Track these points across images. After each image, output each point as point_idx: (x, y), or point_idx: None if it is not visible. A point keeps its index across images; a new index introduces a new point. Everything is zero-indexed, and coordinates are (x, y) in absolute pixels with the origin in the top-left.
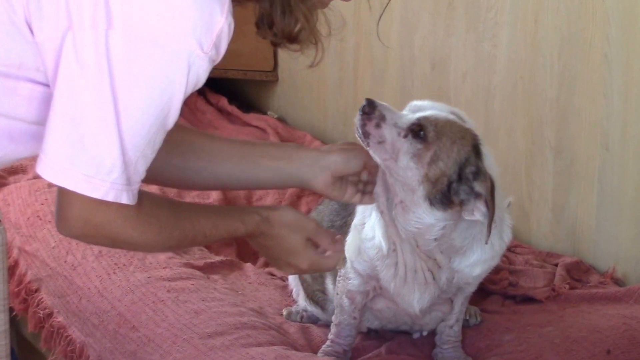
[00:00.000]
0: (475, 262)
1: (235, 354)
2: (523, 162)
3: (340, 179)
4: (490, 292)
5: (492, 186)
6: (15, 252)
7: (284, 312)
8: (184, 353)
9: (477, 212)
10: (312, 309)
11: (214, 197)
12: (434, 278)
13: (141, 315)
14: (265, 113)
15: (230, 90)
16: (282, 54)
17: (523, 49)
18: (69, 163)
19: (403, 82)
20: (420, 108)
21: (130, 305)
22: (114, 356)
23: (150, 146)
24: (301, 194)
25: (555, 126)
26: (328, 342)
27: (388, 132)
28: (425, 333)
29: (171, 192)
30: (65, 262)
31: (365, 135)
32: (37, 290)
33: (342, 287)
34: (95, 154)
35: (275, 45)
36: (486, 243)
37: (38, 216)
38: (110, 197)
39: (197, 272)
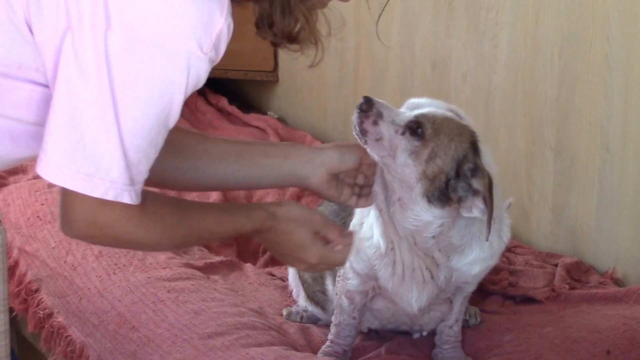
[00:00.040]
0: (474, 260)
1: (235, 354)
2: (523, 162)
3: (337, 179)
4: (490, 292)
5: (490, 183)
6: (15, 253)
7: (284, 313)
8: (184, 353)
9: (475, 209)
10: (313, 309)
11: (214, 197)
12: (432, 277)
13: (141, 315)
14: (265, 113)
15: (230, 91)
16: (283, 54)
17: (523, 49)
18: (69, 163)
19: (403, 82)
20: (418, 105)
21: (130, 305)
22: (114, 356)
23: (153, 146)
24: (301, 195)
25: (555, 126)
26: (328, 343)
27: (386, 129)
28: (425, 333)
29: (171, 194)
30: (65, 262)
31: (363, 132)
32: (37, 291)
33: (341, 287)
34: (95, 154)
35: (275, 45)
36: (487, 240)
37: (38, 216)
38: (109, 196)
39: (197, 273)
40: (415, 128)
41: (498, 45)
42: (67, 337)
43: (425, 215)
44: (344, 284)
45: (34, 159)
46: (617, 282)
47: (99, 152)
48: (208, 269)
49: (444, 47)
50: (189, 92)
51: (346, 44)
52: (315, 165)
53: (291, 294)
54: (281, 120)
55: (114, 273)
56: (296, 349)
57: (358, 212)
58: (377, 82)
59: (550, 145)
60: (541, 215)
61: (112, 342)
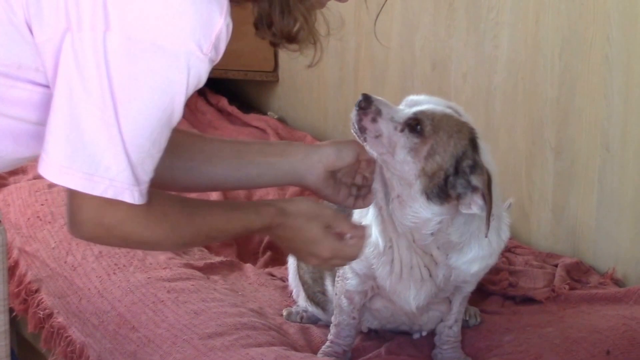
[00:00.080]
0: (473, 259)
1: (235, 354)
2: (523, 162)
3: (335, 178)
4: (490, 292)
5: (489, 180)
6: (15, 253)
7: (284, 313)
8: (183, 354)
9: (474, 205)
10: (313, 309)
11: (213, 198)
12: (430, 275)
13: (141, 315)
14: (265, 113)
15: (230, 91)
16: (283, 54)
17: (524, 49)
18: (69, 162)
19: (403, 82)
20: (417, 102)
21: (130, 305)
22: (114, 357)
23: (156, 146)
24: (301, 194)
25: (555, 127)
26: (328, 343)
27: (385, 126)
28: (424, 333)
29: None
30: (65, 262)
31: (362, 130)
32: (37, 291)
33: (341, 287)
34: (94, 153)
35: (274, 45)
36: (486, 236)
37: (38, 217)
38: (109, 194)
39: (197, 273)
40: (414, 125)
41: (498, 45)
42: (67, 337)
43: (424, 212)
44: (343, 284)
45: (34, 160)
46: (617, 283)
47: (98, 151)
48: (208, 269)
49: (444, 47)
50: (190, 92)
51: (346, 44)
52: (313, 163)
53: (291, 294)
54: (281, 120)
55: (114, 273)
56: (296, 350)
57: (357, 211)
58: (377, 82)
59: (550, 145)
60: (541, 216)
61: (112, 343)
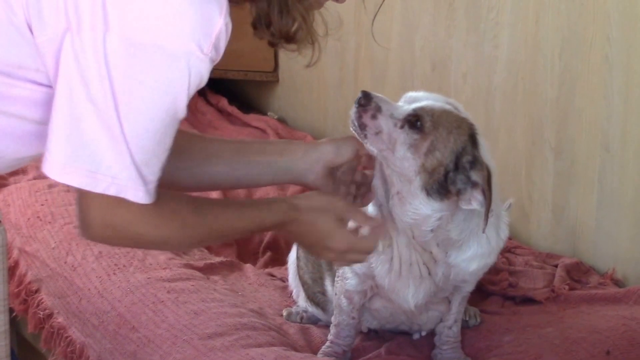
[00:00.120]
0: (472, 256)
1: (235, 354)
2: (523, 162)
3: (334, 177)
4: (489, 293)
5: (488, 175)
6: (15, 253)
7: (284, 313)
8: (183, 354)
9: (474, 201)
10: (313, 310)
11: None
12: (429, 273)
13: (141, 316)
14: (265, 114)
15: (230, 91)
16: (283, 54)
17: (524, 49)
18: (72, 161)
19: (403, 82)
20: (416, 99)
21: (130, 306)
22: (114, 357)
23: (161, 145)
24: (302, 193)
25: (555, 127)
26: (328, 343)
27: (384, 122)
28: (424, 333)
29: None
30: (65, 262)
31: (362, 127)
32: (37, 291)
33: (340, 287)
34: (96, 152)
35: (272, 45)
36: (483, 232)
37: (38, 217)
38: (111, 192)
39: (197, 273)
40: (414, 121)
41: (498, 45)
42: (67, 337)
43: (424, 209)
44: (342, 284)
45: (34, 160)
46: (617, 283)
47: (99, 150)
48: (208, 270)
49: (444, 47)
50: (193, 92)
51: (346, 44)
52: (312, 161)
53: (291, 294)
54: (281, 120)
55: (114, 273)
56: (296, 350)
57: None
58: (377, 83)
59: (550, 146)
60: (541, 216)
61: (112, 343)
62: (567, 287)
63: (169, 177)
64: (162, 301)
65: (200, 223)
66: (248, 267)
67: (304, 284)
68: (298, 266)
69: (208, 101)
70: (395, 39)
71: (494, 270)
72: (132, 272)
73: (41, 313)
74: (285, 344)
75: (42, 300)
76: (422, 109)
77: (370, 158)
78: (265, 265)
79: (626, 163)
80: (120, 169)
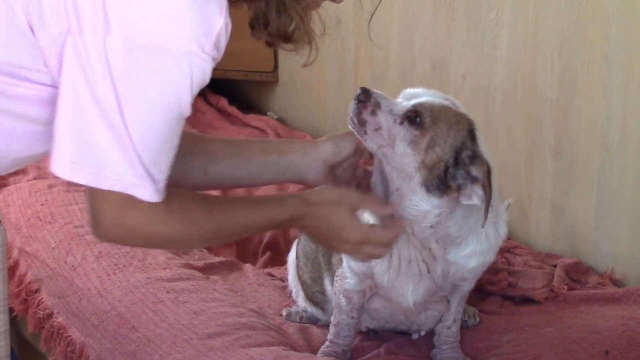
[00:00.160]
0: (471, 253)
1: (235, 354)
2: (523, 162)
3: (334, 175)
4: (489, 293)
5: (488, 170)
6: (15, 253)
7: (284, 313)
8: (183, 353)
9: (474, 196)
10: (312, 309)
11: None
12: (428, 270)
13: (141, 315)
14: (265, 114)
15: (230, 91)
16: (283, 54)
17: (523, 49)
18: (78, 159)
19: (403, 82)
20: (415, 95)
21: (130, 305)
22: (114, 357)
23: (168, 144)
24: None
25: (555, 127)
26: (327, 343)
27: (384, 119)
28: (423, 333)
29: None
30: (65, 262)
31: (361, 123)
32: (37, 291)
33: (339, 286)
34: (100, 151)
35: (269, 45)
36: (482, 226)
37: (38, 217)
38: (118, 188)
39: (197, 273)
40: (414, 117)
41: (498, 45)
42: (67, 337)
43: (423, 205)
44: (341, 284)
45: (35, 160)
46: (616, 283)
47: (104, 149)
48: (208, 270)
49: (444, 47)
50: (196, 91)
51: (346, 44)
52: (312, 159)
53: (291, 294)
54: (281, 120)
55: (114, 273)
56: (295, 349)
57: None
58: (377, 83)
59: (550, 146)
60: (540, 216)
61: (112, 343)
62: (566, 287)
63: (170, 177)
64: (162, 301)
65: (211, 220)
66: (248, 267)
67: (303, 283)
68: (297, 266)
69: (208, 101)
70: (395, 39)
71: (493, 270)
72: (132, 272)
73: (41, 313)
74: (284, 344)
75: (42, 300)
76: (421, 105)
77: (369, 159)
78: (265, 265)
79: (625, 163)
80: (126, 167)
